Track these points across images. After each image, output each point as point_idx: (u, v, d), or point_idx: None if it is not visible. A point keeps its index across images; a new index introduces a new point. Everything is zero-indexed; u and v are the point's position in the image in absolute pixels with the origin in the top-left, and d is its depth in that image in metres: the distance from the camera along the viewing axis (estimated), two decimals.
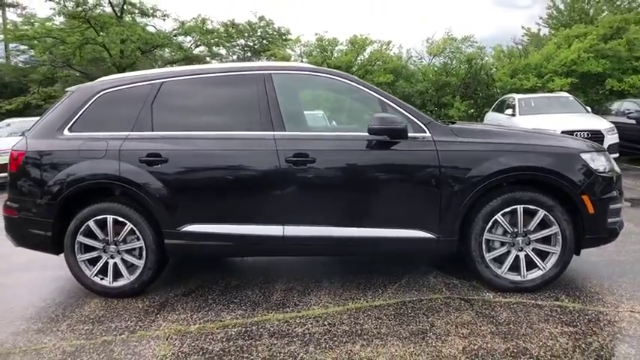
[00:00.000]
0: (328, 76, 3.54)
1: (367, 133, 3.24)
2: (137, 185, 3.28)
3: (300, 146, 3.26)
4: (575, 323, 2.82)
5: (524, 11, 44.79)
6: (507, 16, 45.55)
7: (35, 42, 17.02)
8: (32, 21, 20.04)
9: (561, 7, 24.02)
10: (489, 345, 2.59)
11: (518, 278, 3.27)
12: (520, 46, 22.07)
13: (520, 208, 3.21)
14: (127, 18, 18.20)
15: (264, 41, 24.69)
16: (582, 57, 14.77)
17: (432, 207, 3.22)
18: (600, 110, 12.00)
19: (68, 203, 3.38)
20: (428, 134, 3.26)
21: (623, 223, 3.47)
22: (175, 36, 18.24)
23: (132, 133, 3.39)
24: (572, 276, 3.54)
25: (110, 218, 3.35)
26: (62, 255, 3.57)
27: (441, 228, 3.23)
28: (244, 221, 3.31)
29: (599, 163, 3.29)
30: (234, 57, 24.36)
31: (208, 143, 3.33)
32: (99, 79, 3.77)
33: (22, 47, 22.07)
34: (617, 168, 3.45)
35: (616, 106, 11.75)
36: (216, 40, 18.58)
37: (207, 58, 20.37)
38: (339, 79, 3.51)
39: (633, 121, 10.30)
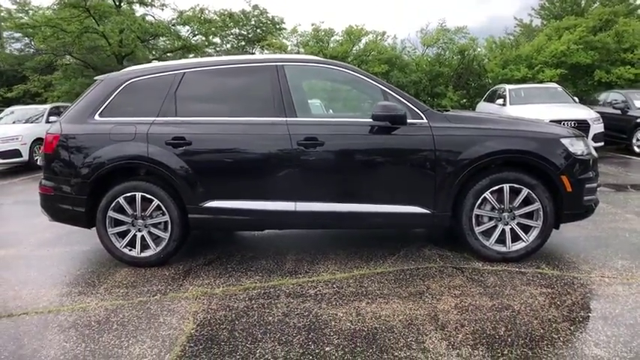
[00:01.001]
0: (334, 67, 3.91)
1: (370, 119, 3.61)
2: (164, 165, 3.64)
3: (310, 131, 3.63)
4: (552, 286, 3.24)
5: (517, 2, 45.15)
6: (500, 7, 45.86)
7: (33, 30, 17.10)
8: (27, 9, 20.09)
9: None
10: (478, 302, 3.01)
11: (504, 249, 3.68)
12: (512, 37, 22.45)
13: (506, 186, 3.61)
14: (124, 5, 18.30)
15: (258, 30, 24.79)
16: (572, 48, 15.20)
17: (428, 185, 3.61)
18: (588, 101, 12.44)
19: (100, 182, 3.73)
20: (425, 121, 3.64)
21: (598, 201, 3.89)
22: (174, 25, 18.40)
23: (157, 118, 3.74)
24: (552, 248, 3.96)
25: (139, 195, 3.71)
26: (90, 230, 3.95)
27: (435, 204, 3.63)
28: (260, 198, 3.68)
29: (577, 147, 3.68)
30: (228, 46, 24.47)
31: (227, 127, 3.69)
32: (125, 69, 4.11)
33: (17, 35, 22.11)
34: (594, 152, 3.85)
35: (603, 96, 12.21)
36: (214, 29, 18.75)
37: (207, 49, 20.52)
38: (345, 70, 3.88)
39: (619, 112, 10.77)
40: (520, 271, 3.53)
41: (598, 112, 10.00)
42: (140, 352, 2.50)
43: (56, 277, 3.68)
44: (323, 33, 17.85)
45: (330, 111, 9.33)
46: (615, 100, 11.27)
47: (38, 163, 10.77)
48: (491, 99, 12.05)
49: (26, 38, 21.99)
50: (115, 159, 3.68)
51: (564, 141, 3.64)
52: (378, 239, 4.38)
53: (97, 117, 3.81)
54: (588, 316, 2.81)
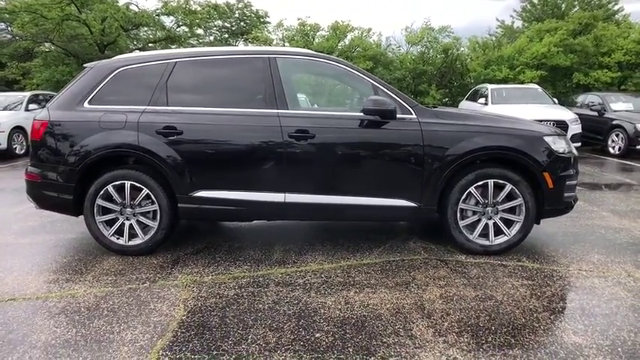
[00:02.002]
0: (326, 61, 3.96)
1: (360, 113, 3.68)
2: (154, 154, 3.63)
3: (302, 123, 3.67)
4: (533, 278, 3.37)
5: (500, 3, 45.78)
6: (483, 8, 46.41)
7: (11, 16, 16.65)
8: None
9: (535, 0, 24.85)
10: (462, 292, 3.11)
11: (486, 243, 3.80)
12: (494, 38, 22.82)
13: (491, 182, 3.72)
14: None
15: (242, 23, 24.62)
16: (552, 51, 15.56)
17: (416, 179, 3.70)
18: (567, 102, 12.77)
19: (89, 169, 3.71)
20: (414, 116, 3.72)
21: (577, 198, 4.04)
22: (158, 15, 18.12)
23: (148, 107, 3.73)
24: (533, 243, 4.10)
25: (128, 184, 3.70)
26: (75, 218, 3.92)
27: (422, 198, 3.72)
28: (250, 188, 3.71)
29: (559, 145, 3.82)
30: (212, 38, 24.23)
31: (219, 118, 3.70)
32: (116, 57, 4.08)
33: None
34: (574, 151, 3.99)
35: (581, 98, 12.55)
36: (198, 21, 18.54)
37: (190, 40, 20.29)
38: (336, 64, 3.93)
39: (595, 113, 11.10)
40: (502, 263, 3.65)
41: (576, 114, 10.29)
42: (132, 337, 2.52)
43: (42, 265, 3.65)
44: (309, 28, 17.86)
45: (315, 105, 9.39)
46: (592, 102, 11.61)
47: (17, 151, 10.54)
48: (473, 98, 12.27)
49: (2, 24, 21.40)
50: (104, 147, 3.66)
51: (547, 139, 3.77)
52: (364, 231, 4.46)
53: (86, 104, 3.77)
54: (567, 307, 2.94)
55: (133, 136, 3.64)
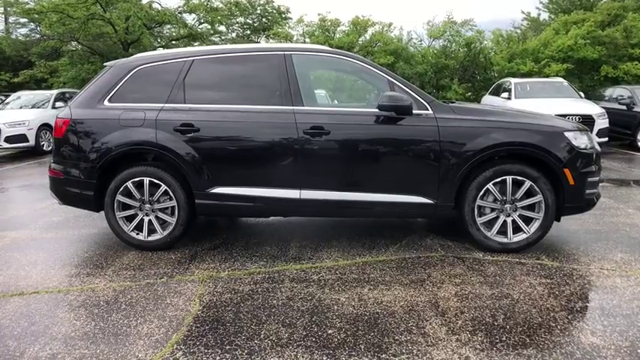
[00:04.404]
0: (342, 57, 3.94)
1: (375, 109, 3.66)
2: (172, 151, 3.70)
3: (317, 120, 3.67)
4: (551, 277, 3.30)
5: None
6: (508, 1, 45.33)
7: (39, 16, 17.12)
8: None
9: None
10: (477, 291, 3.07)
11: (505, 240, 3.73)
12: (519, 31, 22.29)
13: (509, 178, 3.65)
14: None
15: (264, 19, 24.70)
16: (579, 43, 15.10)
17: (432, 176, 3.66)
18: (594, 96, 12.40)
19: (109, 166, 3.80)
20: (430, 112, 3.67)
21: (600, 195, 3.93)
22: (180, 13, 18.35)
23: (166, 104, 3.79)
24: (553, 241, 4.01)
25: (147, 180, 3.77)
26: (97, 214, 4.02)
27: (439, 194, 3.68)
28: (265, 185, 3.74)
29: (580, 141, 3.72)
30: (234, 35, 24.42)
31: (235, 115, 3.73)
32: (135, 56, 4.15)
33: (22, 20, 22.13)
34: (597, 146, 3.88)
35: (609, 92, 12.17)
36: (220, 18, 18.70)
37: (212, 37, 20.48)
38: (352, 60, 3.91)
39: (624, 107, 10.74)
40: (520, 261, 3.58)
41: (603, 108, 9.98)
42: (148, 330, 2.58)
43: (65, 259, 3.76)
44: (329, 23, 17.80)
45: (335, 101, 9.38)
46: (621, 95, 11.24)
47: (44, 148, 10.87)
48: (496, 92, 12.03)
49: (32, 24, 22.04)
50: (123, 144, 3.74)
51: (568, 134, 3.68)
52: (381, 228, 4.45)
53: (106, 102, 3.86)
54: (586, 306, 2.87)
55: (151, 133, 3.71)
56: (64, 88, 15.89)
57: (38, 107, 11.46)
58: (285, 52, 3.83)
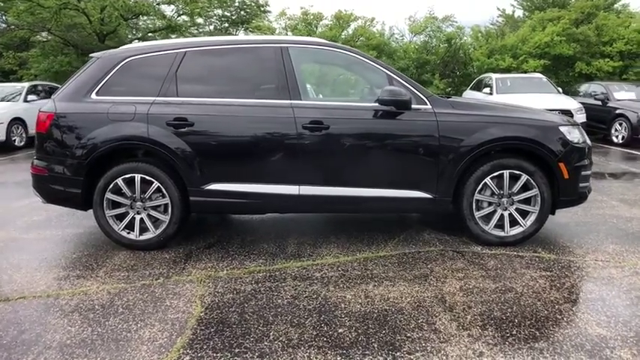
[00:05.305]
0: (340, 50, 3.88)
1: (374, 104, 3.61)
2: (165, 146, 3.56)
3: (316, 114, 3.59)
4: (550, 269, 3.33)
5: None
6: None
7: (5, 4, 16.37)
8: None
9: None
10: (481, 285, 3.07)
11: (502, 234, 3.75)
12: (495, 27, 22.60)
13: (506, 173, 3.66)
14: None
15: (242, 12, 24.27)
16: (555, 40, 15.43)
17: (431, 170, 3.64)
18: (569, 92, 12.69)
19: (97, 162, 3.63)
20: (429, 106, 3.65)
21: (591, 188, 4.00)
22: (159, 4, 17.86)
23: (158, 98, 3.64)
24: (547, 233, 4.06)
25: (138, 177, 3.62)
26: (81, 212, 3.85)
27: (437, 189, 3.66)
28: (263, 181, 3.64)
29: (574, 135, 3.76)
30: (211, 27, 23.92)
31: (231, 109, 3.62)
32: (123, 47, 3.98)
33: None
34: (588, 140, 3.94)
35: (583, 88, 12.48)
36: (199, 10, 18.26)
37: (191, 30, 20.01)
38: (350, 53, 3.85)
39: (599, 103, 11.04)
40: (518, 254, 3.61)
41: (580, 103, 10.22)
42: (150, 335, 2.47)
43: (51, 261, 3.59)
44: (312, 17, 17.65)
45: (320, 95, 9.28)
46: (595, 91, 11.54)
47: (16, 143, 10.43)
48: (477, 87, 12.18)
49: None
50: (113, 139, 3.58)
51: (562, 129, 3.71)
52: (377, 223, 4.41)
53: (93, 96, 3.69)
54: (588, 298, 2.90)
55: (143, 127, 3.57)
56: (35, 80, 15.28)
57: (8, 100, 10.97)
58: (282, 45, 3.74)
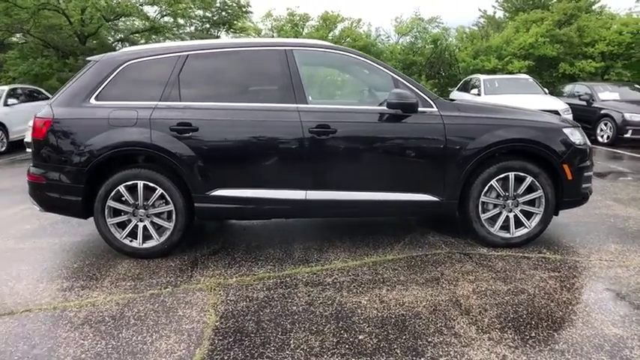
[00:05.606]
0: (345, 53, 3.86)
1: (380, 107, 3.61)
2: (169, 152, 3.48)
3: (323, 118, 3.56)
4: (558, 269, 3.36)
5: None
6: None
7: None
8: None
9: None
10: (493, 287, 3.08)
11: (507, 235, 3.78)
12: (477, 28, 22.89)
13: (512, 175, 3.69)
14: None
15: (223, 13, 24.05)
16: (539, 41, 15.72)
17: (438, 173, 3.64)
18: (554, 92, 12.92)
19: (98, 169, 3.54)
20: (435, 109, 3.65)
21: (592, 189, 4.06)
22: (142, 5, 17.57)
23: (160, 102, 3.56)
24: (549, 234, 4.09)
25: (141, 183, 3.54)
26: (77, 220, 3.74)
27: (444, 192, 3.66)
28: (269, 186, 3.59)
29: (576, 137, 3.81)
30: (192, 28, 23.64)
31: (236, 113, 3.56)
32: (122, 50, 3.89)
33: None
34: (588, 142, 4.00)
35: (568, 88, 12.71)
36: (181, 10, 18.02)
37: (175, 31, 19.74)
38: (355, 56, 3.83)
39: (584, 103, 11.25)
40: (524, 255, 3.64)
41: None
42: (167, 347, 2.40)
43: (52, 271, 3.48)
44: (298, 18, 17.62)
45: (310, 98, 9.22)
46: (580, 92, 11.76)
47: None
48: (464, 88, 12.30)
49: None
50: (115, 145, 3.49)
51: (566, 131, 3.76)
52: (380, 226, 4.40)
53: (92, 100, 3.59)
54: (599, 298, 2.93)
55: (145, 133, 3.48)
56: (14, 83, 14.87)
57: None
58: (287, 48, 3.70)
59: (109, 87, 3.62)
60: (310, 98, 3.77)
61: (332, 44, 4.10)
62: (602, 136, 10.57)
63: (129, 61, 3.67)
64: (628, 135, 9.91)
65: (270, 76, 3.68)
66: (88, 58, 3.86)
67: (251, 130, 3.57)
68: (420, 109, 3.60)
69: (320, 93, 10.14)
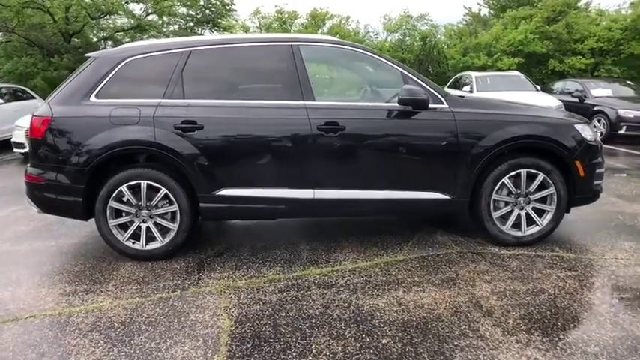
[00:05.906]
0: (353, 48, 3.75)
1: (389, 104, 3.53)
2: (173, 151, 3.35)
3: (331, 115, 3.46)
4: (574, 268, 3.31)
5: None
6: None
7: None
8: None
9: None
10: (511, 287, 3.01)
11: (519, 234, 3.72)
12: (462, 25, 22.94)
13: (524, 172, 3.62)
14: None
15: (207, 11, 23.74)
16: (528, 38, 15.80)
17: (449, 171, 3.56)
18: (545, 89, 12.98)
19: (99, 169, 3.39)
20: (446, 105, 3.57)
21: (602, 187, 4.02)
22: (127, 3, 17.24)
23: (163, 100, 3.43)
24: (559, 232, 4.03)
25: (144, 184, 3.40)
26: (72, 221, 3.63)
27: (455, 190, 3.59)
28: (277, 185, 3.48)
29: (587, 133, 3.77)
30: (176, 27, 23.30)
31: (242, 111, 3.44)
32: (122, 46, 3.74)
33: None
34: (599, 138, 3.96)
35: (558, 85, 12.78)
36: (167, 8, 17.71)
37: (162, 28, 19.42)
38: (364, 52, 3.73)
39: (576, 100, 11.31)
40: (537, 254, 3.58)
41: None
42: (184, 354, 2.29)
43: (53, 275, 3.32)
44: (286, 15, 17.47)
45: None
46: (571, 88, 11.82)
47: None
48: (456, 86, 12.29)
49: None
50: (117, 144, 3.35)
51: (577, 127, 3.71)
52: (386, 225, 4.31)
53: (92, 98, 3.44)
54: (622, 298, 2.87)
55: (149, 131, 3.35)
56: None
57: None
58: (293, 43, 3.58)
59: (110, 84, 3.47)
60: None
61: (339, 39, 4.01)
62: (595, 133, 10.62)
63: (130, 57, 3.53)
64: (622, 131, 9.95)
65: (275, 73, 3.57)
66: (88, 55, 3.70)
67: (257, 128, 3.45)
68: (430, 105, 3.52)
69: (327, 89, 10.06)
